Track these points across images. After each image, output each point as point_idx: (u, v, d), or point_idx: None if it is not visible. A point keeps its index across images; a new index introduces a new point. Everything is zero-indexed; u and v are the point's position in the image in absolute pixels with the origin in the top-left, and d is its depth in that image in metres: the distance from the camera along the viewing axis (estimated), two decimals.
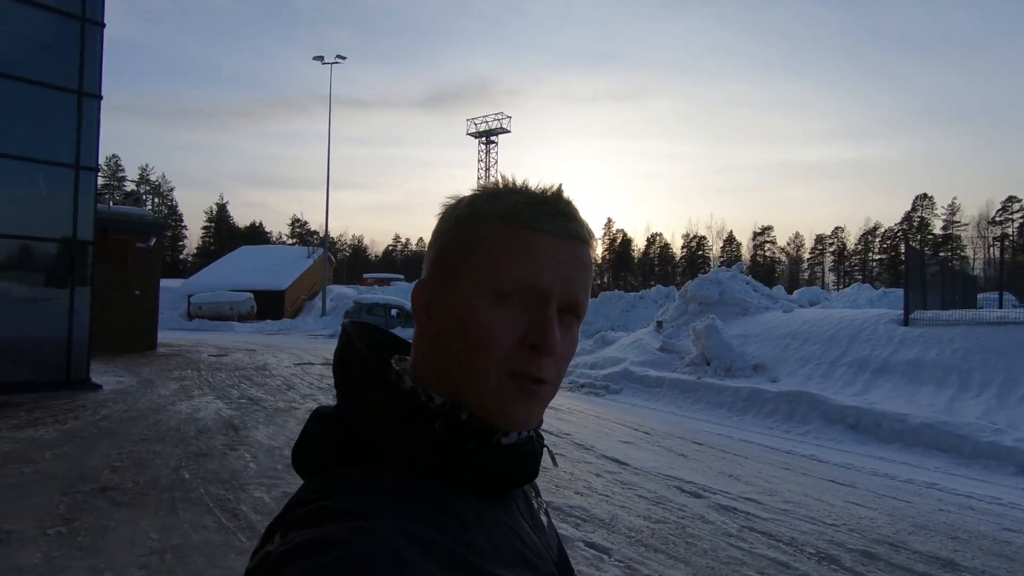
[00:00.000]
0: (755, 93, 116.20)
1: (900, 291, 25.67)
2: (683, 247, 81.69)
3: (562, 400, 9.38)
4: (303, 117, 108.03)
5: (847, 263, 73.51)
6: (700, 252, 79.86)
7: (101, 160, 13.70)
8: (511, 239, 0.55)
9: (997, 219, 63.26)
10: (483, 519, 0.52)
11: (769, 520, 4.23)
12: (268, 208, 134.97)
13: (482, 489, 0.54)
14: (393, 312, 23.19)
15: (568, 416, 8.03)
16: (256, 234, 77.16)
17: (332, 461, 0.53)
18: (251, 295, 28.67)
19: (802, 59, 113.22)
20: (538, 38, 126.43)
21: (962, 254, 60.56)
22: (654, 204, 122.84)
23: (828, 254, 75.44)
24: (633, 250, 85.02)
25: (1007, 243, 58.12)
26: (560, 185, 0.60)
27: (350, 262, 77.73)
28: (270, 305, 29.60)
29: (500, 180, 0.59)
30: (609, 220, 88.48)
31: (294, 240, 79.40)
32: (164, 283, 20.21)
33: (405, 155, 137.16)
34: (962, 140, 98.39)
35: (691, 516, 4.25)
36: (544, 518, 0.65)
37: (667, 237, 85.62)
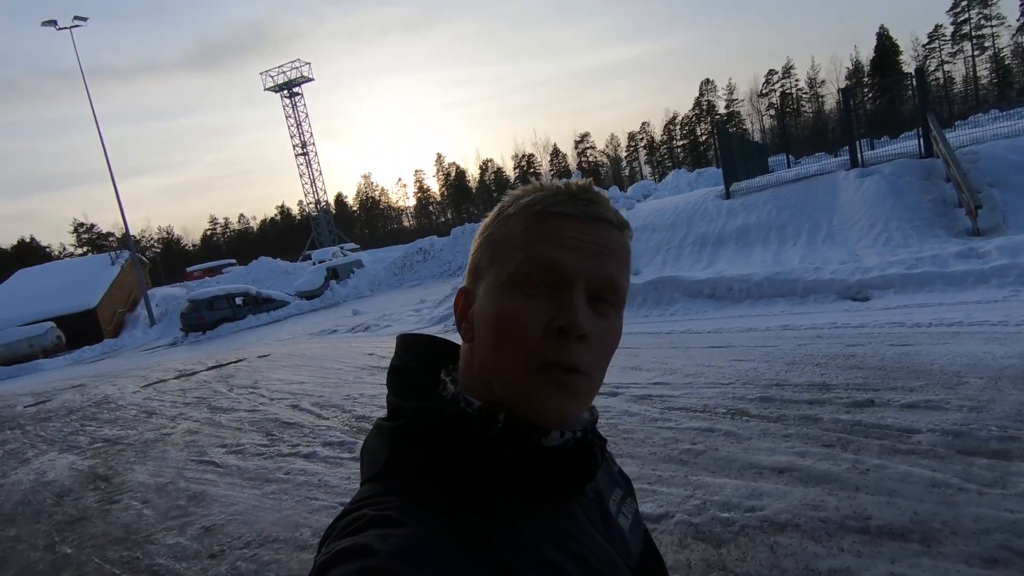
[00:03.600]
0: (533, 7, 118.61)
1: (710, 170, 29.20)
2: (515, 168, 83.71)
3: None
4: (38, 100, 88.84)
5: (658, 154, 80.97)
6: (531, 169, 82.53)
7: None
8: (531, 225, 0.55)
9: (763, 92, 73.24)
10: (528, 522, 0.51)
11: (680, 396, 4.71)
12: (37, 217, 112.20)
13: (524, 495, 0.53)
14: (238, 300, 21.11)
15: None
16: (29, 252, 64.30)
17: (380, 469, 0.54)
18: (52, 324, 24.09)
19: None
20: None
21: (743, 127, 69.59)
22: (479, 132, 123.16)
23: (641, 149, 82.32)
24: (468, 180, 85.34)
25: (775, 111, 67.75)
26: (590, 180, 0.60)
27: (164, 258, 68.40)
28: (81, 329, 25.19)
29: (533, 184, 0.60)
30: (439, 156, 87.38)
31: (85, 249, 67.59)
32: None
33: (189, 124, 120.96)
34: (728, 24, 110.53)
35: (616, 413, 4.58)
36: (625, 521, 0.64)
37: (498, 161, 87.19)
